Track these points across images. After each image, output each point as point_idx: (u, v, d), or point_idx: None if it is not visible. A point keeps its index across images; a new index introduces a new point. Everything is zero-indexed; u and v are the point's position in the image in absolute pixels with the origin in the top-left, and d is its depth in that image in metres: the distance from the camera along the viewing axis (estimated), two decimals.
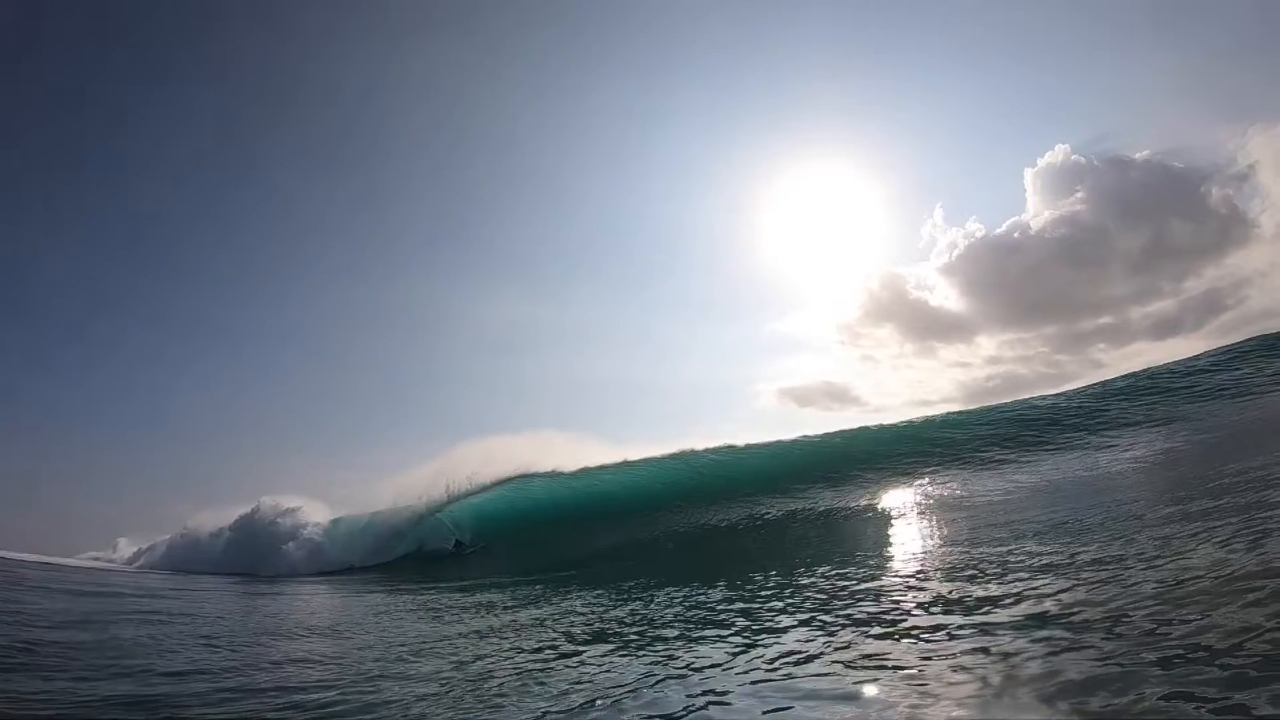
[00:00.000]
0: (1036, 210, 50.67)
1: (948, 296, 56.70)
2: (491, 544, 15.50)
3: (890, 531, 8.84)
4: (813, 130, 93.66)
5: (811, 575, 6.20)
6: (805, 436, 17.54)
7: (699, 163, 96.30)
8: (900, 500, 11.10)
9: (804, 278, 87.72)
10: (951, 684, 2.89)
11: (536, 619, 5.99)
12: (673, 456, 16.91)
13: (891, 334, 62.39)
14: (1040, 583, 4.27)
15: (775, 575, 6.54)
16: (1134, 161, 45.18)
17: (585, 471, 16.96)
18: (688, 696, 3.26)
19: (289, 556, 17.03)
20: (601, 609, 6.19)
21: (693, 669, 3.72)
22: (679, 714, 3.05)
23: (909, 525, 9.08)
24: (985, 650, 3.22)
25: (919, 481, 12.66)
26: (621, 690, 3.47)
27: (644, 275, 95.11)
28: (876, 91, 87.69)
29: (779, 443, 17.25)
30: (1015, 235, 51.25)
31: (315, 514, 18.67)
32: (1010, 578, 4.57)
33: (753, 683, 3.34)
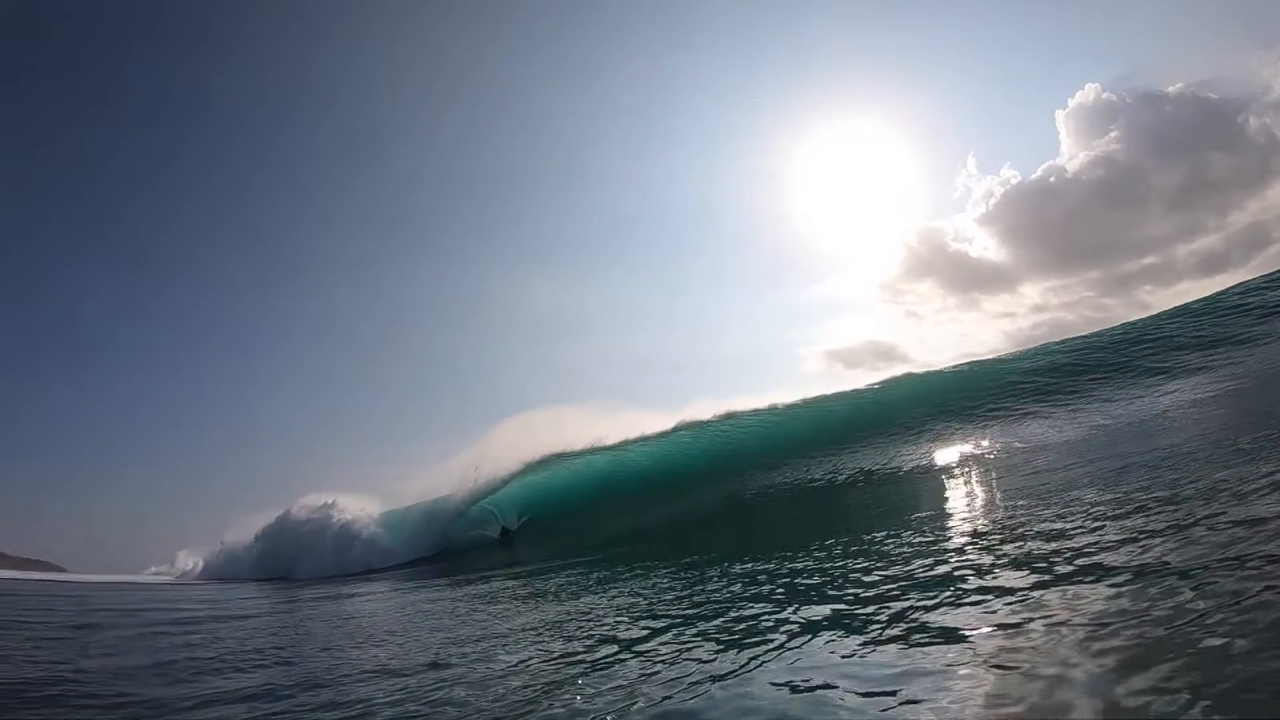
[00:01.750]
0: (1071, 152, 49.02)
1: (987, 246, 55.43)
2: (537, 526, 15.34)
3: (948, 487, 8.53)
4: (835, 89, 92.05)
5: (877, 538, 5.92)
6: (850, 391, 16.95)
7: (722, 133, 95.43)
8: (954, 452, 10.77)
9: (840, 238, 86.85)
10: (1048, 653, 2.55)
11: (597, 606, 5.70)
12: (717, 420, 16.61)
13: (933, 288, 61.35)
14: (1109, 536, 3.99)
15: (840, 541, 6.23)
16: (1167, 96, 43.39)
17: (624, 444, 16.68)
18: (776, 686, 2.90)
19: (334, 557, 17.12)
20: (661, 590, 5.89)
21: (781, 649, 3.40)
22: (773, 703, 2.70)
23: (967, 479, 8.77)
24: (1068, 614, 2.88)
25: (968, 430, 12.17)
26: (707, 681, 3.13)
27: (675, 250, 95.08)
28: (897, 42, 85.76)
29: (821, 399, 16.86)
30: (1051, 180, 49.65)
31: (359, 508, 18.74)
32: (1078, 532, 4.27)
33: (843, 658, 3.04)
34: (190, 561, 23.35)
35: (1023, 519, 5.18)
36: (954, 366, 17.11)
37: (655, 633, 4.16)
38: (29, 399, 71.21)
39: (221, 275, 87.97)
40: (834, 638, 3.38)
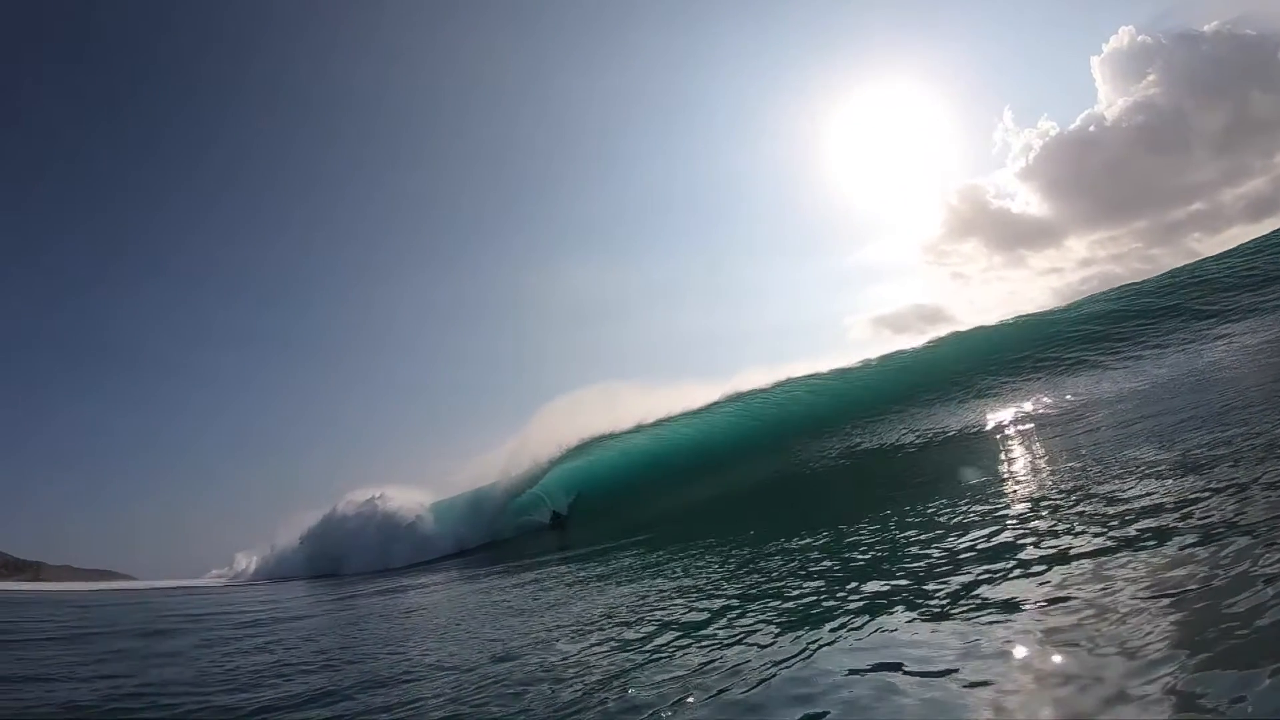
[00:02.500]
0: (1109, 100, 47.49)
1: (1029, 202, 54.06)
2: (587, 508, 15.36)
3: (1001, 449, 8.40)
4: (864, 49, 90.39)
5: (931, 508, 5.86)
6: (895, 352, 16.72)
7: (751, 102, 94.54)
8: (1005, 410, 10.52)
9: (879, 202, 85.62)
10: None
11: (651, 590, 5.70)
12: (762, 389, 16.48)
13: (978, 248, 60.13)
14: (1169, 497, 3.93)
15: (893, 511, 6.24)
16: (1204, 35, 41.64)
17: (664, 422, 16.63)
18: (837, 671, 2.87)
19: (381, 551, 17.30)
20: (715, 570, 5.89)
21: (841, 630, 3.37)
22: (835, 689, 2.67)
23: (1021, 439, 8.63)
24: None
25: (1019, 385, 11.95)
26: (768, 667, 3.10)
27: (712, 225, 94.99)
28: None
29: (866, 363, 16.62)
30: (1090, 129, 48.15)
31: (408, 500, 18.81)
32: (1138, 494, 4.20)
33: (904, 639, 2.98)
34: (245, 563, 23.94)
35: (1080, 481, 5.11)
36: (1001, 322, 16.65)
37: (712, 616, 4.16)
38: (88, 415, 73.99)
39: (264, 281, 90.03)
40: (892, 616, 3.35)
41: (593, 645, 4.10)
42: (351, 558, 17.59)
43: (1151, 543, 3.30)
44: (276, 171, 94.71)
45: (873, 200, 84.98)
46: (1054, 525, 4.10)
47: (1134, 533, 3.52)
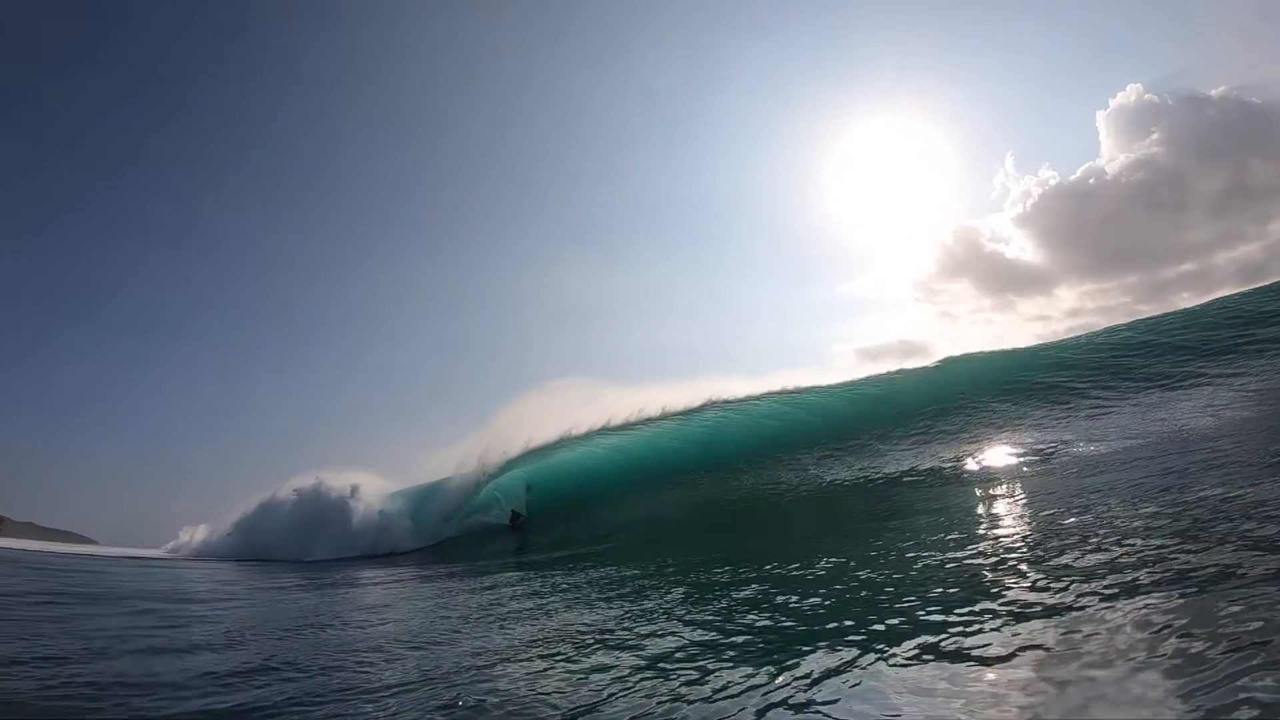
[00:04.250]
0: (1111, 154, 47.68)
1: (1024, 248, 54.30)
2: (549, 512, 14.75)
3: (989, 481, 8.16)
4: (875, 84, 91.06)
5: (914, 542, 5.55)
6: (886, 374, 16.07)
7: (756, 123, 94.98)
8: (1002, 451, 10.09)
9: (875, 236, 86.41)
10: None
11: (618, 612, 5.40)
12: (743, 400, 15.74)
13: (968, 288, 60.41)
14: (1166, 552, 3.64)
15: (872, 546, 5.91)
16: (1210, 99, 41.84)
17: (633, 426, 16.00)
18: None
19: (309, 544, 16.70)
20: (682, 595, 5.56)
21: (795, 675, 3.04)
22: None
23: (1011, 475, 8.31)
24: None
25: (1016, 414, 11.33)
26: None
27: (705, 240, 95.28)
28: (938, 39, 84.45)
29: (849, 384, 15.95)
30: (1090, 181, 48.33)
31: (371, 490, 18.22)
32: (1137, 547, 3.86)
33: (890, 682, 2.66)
34: (187, 538, 23.29)
35: (1065, 525, 4.78)
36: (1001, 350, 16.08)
37: (675, 648, 3.85)
38: (67, 377, 73.36)
39: (254, 258, 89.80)
40: (865, 658, 3.12)
41: (546, 675, 3.72)
42: (280, 548, 17.00)
43: (1128, 593, 3.13)
44: (284, 152, 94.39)
45: (869, 232, 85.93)
46: (1031, 572, 3.87)
47: (1111, 582, 3.26)
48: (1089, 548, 4.11)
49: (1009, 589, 3.68)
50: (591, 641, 4.30)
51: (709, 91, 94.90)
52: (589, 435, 16.02)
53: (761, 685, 3.05)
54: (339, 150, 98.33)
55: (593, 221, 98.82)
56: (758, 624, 4.10)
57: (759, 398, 15.66)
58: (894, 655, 3.11)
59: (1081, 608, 3.14)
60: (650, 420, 15.79)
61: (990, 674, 2.67)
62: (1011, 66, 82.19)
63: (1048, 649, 2.77)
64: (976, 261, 57.81)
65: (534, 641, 4.53)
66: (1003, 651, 2.85)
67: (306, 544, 16.69)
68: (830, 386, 15.66)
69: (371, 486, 18.25)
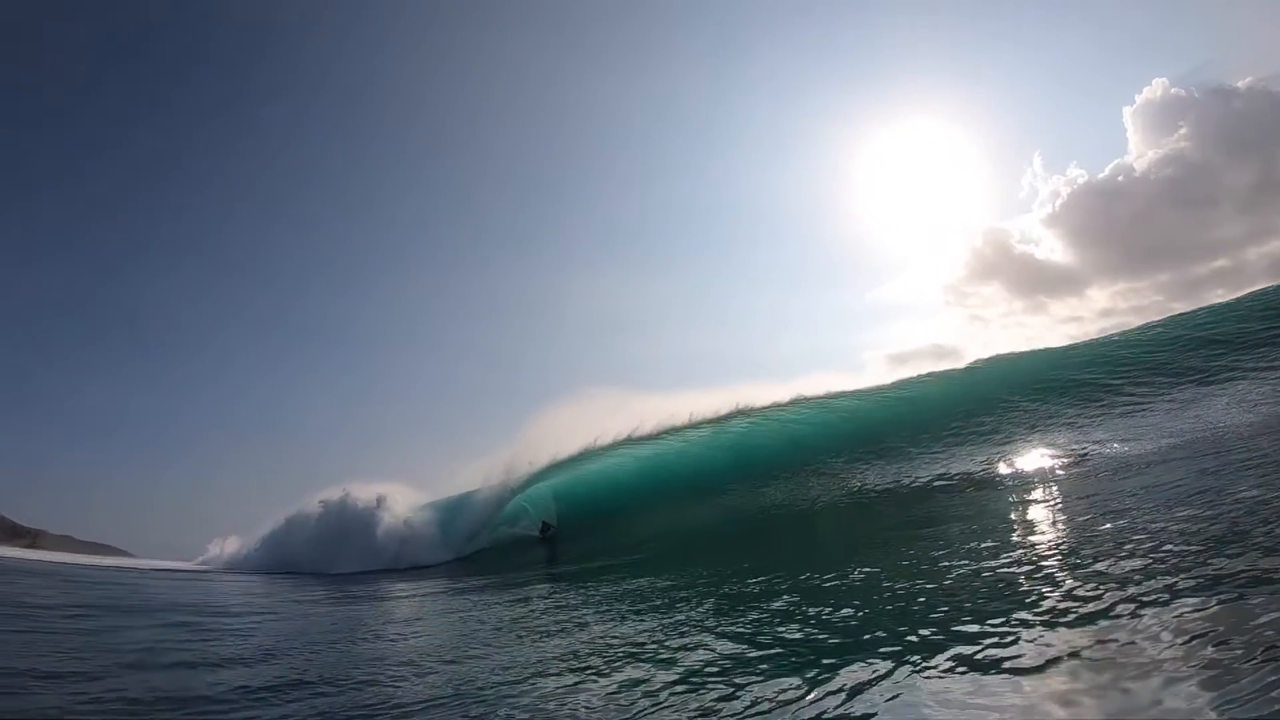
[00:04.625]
0: (1139, 151, 46.91)
1: (1054, 248, 53.58)
2: (579, 522, 14.52)
3: (1026, 487, 7.98)
4: (900, 87, 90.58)
5: (951, 550, 5.46)
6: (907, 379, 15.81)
7: (783, 129, 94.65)
8: (1035, 453, 9.91)
9: (904, 240, 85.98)
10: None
11: (645, 624, 5.37)
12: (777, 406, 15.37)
13: (999, 291, 59.79)
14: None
15: (906, 555, 5.84)
16: (1237, 90, 41.03)
17: (663, 435, 15.69)
18: None
19: (336, 557, 16.63)
20: (716, 606, 5.55)
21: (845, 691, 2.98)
22: None
23: (1051, 478, 8.15)
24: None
25: (1058, 417, 11.15)
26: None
27: (734, 247, 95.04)
28: (962, 41, 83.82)
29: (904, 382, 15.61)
30: (1119, 179, 47.57)
31: (400, 502, 18.17)
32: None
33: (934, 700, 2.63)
34: (217, 551, 23.49)
35: (1104, 530, 4.68)
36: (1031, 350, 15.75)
37: (711, 660, 3.81)
38: (100, 392, 74.98)
39: (284, 270, 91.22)
40: (908, 671, 3.04)
41: (576, 686, 3.72)
42: (307, 560, 17.12)
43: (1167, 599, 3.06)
44: (311, 164, 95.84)
45: (898, 236, 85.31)
46: (1066, 579, 3.79)
47: (1152, 588, 3.15)
48: (1123, 554, 4.04)
49: (1043, 597, 3.62)
50: (623, 655, 4.28)
51: (735, 97, 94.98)
52: (616, 445, 15.82)
53: (795, 700, 3.02)
54: (366, 160, 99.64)
55: (620, 229, 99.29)
56: (790, 636, 4.06)
57: (787, 404, 15.42)
58: (929, 667, 3.06)
59: (1117, 615, 3.09)
60: (679, 429, 15.58)
61: (1026, 685, 2.64)
62: (1036, 66, 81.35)
63: (1083, 659, 2.73)
64: (1007, 263, 57.17)
65: (565, 655, 4.52)
66: (1038, 662, 2.81)
67: (334, 557, 16.73)
68: (860, 391, 15.42)
69: (402, 498, 18.20)
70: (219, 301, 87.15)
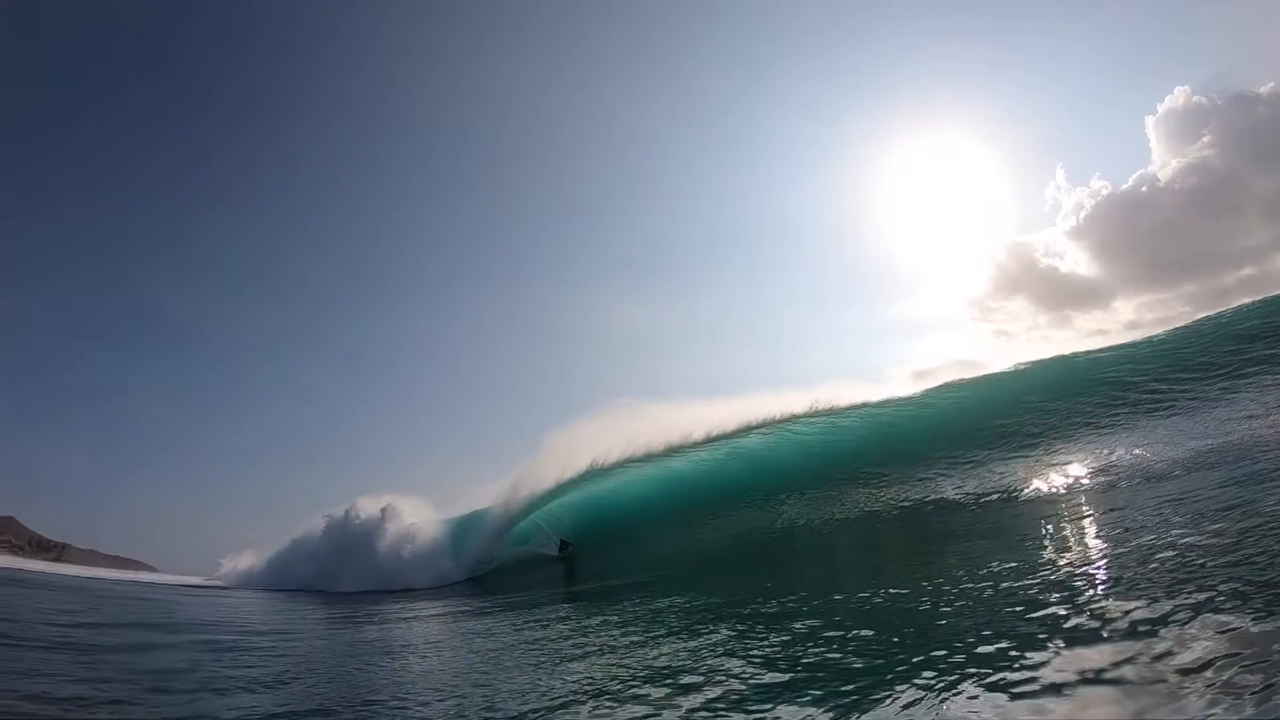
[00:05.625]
0: (1162, 160, 46.57)
1: (1078, 261, 53.16)
2: (598, 540, 14.29)
3: (1059, 504, 7.80)
4: (920, 103, 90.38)
5: (986, 567, 5.35)
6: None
7: (802, 146, 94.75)
8: (1062, 462, 9.75)
9: (926, 255, 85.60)
10: None
11: (669, 648, 5.27)
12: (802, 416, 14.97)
13: (1024, 305, 59.41)
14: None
15: (940, 571, 5.87)
16: (1260, 96, 40.68)
17: (678, 450, 15.30)
18: None
19: (366, 573, 16.62)
20: (743, 629, 5.39)
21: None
22: None
23: (1091, 491, 7.93)
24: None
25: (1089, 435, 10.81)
26: None
27: (755, 266, 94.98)
28: (981, 55, 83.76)
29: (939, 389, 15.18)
30: (1143, 189, 47.18)
31: (410, 515, 18.10)
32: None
33: None
34: (229, 567, 23.63)
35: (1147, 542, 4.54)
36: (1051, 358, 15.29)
37: (736, 687, 3.72)
38: (125, 407, 76.25)
39: (308, 294, 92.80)
40: (941, 692, 2.99)
41: (604, 714, 3.67)
42: (316, 579, 17.15)
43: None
44: (339, 181, 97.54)
45: (920, 252, 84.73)
46: (1099, 597, 3.71)
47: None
48: (1152, 571, 3.98)
49: (1071, 616, 3.59)
50: (645, 680, 4.24)
51: (758, 116, 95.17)
52: (630, 461, 15.58)
53: None
54: (388, 178, 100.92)
55: (644, 248, 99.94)
56: (815, 660, 4.03)
57: (804, 415, 15.12)
58: (956, 690, 3.04)
59: (1146, 634, 3.06)
60: (697, 444, 15.33)
61: (1056, 706, 2.62)
62: (1056, 78, 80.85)
63: (1113, 679, 2.71)
64: (1031, 277, 56.75)
65: (589, 680, 4.47)
66: (1067, 682, 2.80)
67: (338, 574, 16.71)
68: (880, 403, 15.10)
69: (421, 516, 18.13)
70: (242, 319, 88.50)
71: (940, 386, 15.33)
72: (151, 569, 37.42)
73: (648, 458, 15.47)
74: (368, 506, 18.75)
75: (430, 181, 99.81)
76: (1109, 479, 7.91)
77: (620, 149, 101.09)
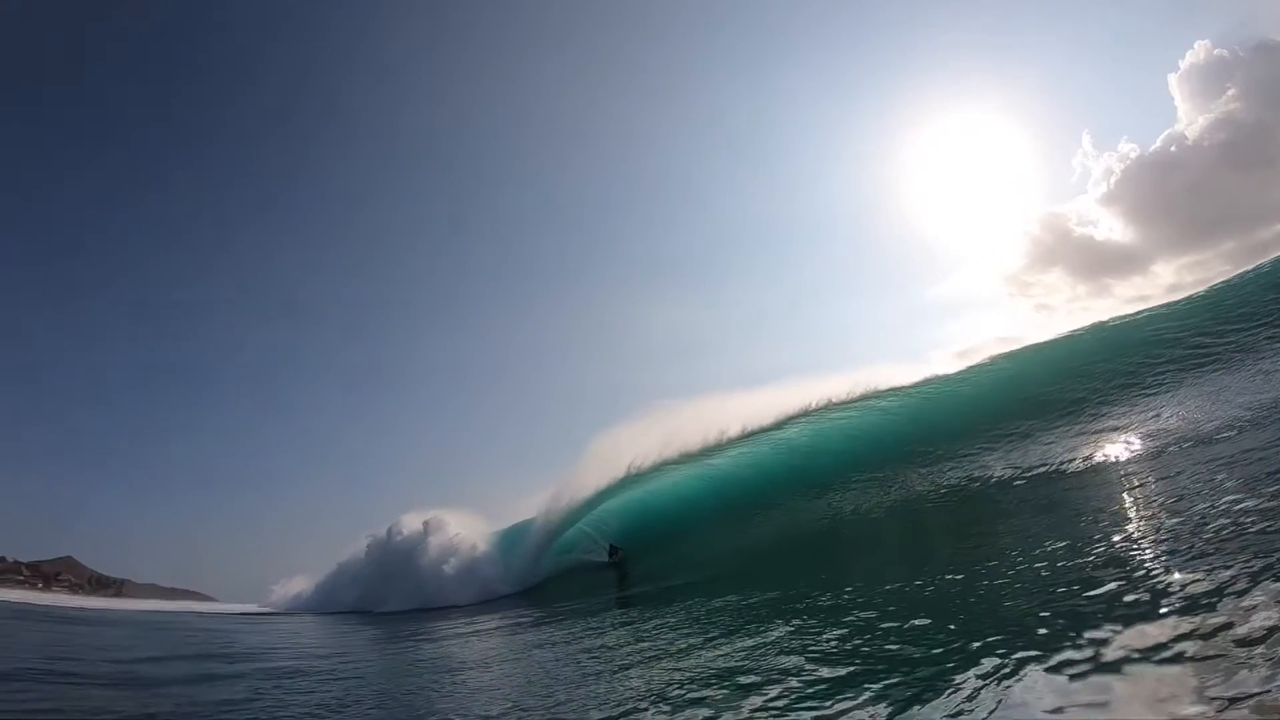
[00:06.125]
0: (1189, 118, 45.48)
1: (1113, 228, 52.22)
2: (646, 543, 14.14)
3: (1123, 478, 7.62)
4: (939, 81, 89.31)
5: (1052, 547, 5.25)
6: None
7: (826, 137, 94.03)
8: (1107, 433, 9.45)
9: (958, 234, 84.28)
10: None
11: (731, 647, 5.24)
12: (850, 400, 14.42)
13: (1061, 277, 58.51)
14: None
15: (997, 555, 5.79)
16: None
17: (718, 447, 14.88)
18: None
19: (410, 591, 16.78)
20: (801, 623, 5.37)
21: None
22: None
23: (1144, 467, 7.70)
24: None
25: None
26: None
27: (786, 260, 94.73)
28: (996, 26, 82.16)
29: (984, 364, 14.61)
30: (1172, 149, 46.15)
31: (455, 527, 18.20)
32: None
33: None
34: (280, 594, 24.05)
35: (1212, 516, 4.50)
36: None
37: (804, 683, 3.73)
38: (180, 443, 78.26)
39: (351, 314, 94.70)
40: (1012, 675, 2.98)
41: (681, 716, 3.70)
42: (362, 601, 17.31)
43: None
44: (363, 202, 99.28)
45: (952, 232, 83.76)
46: (1158, 569, 3.67)
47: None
48: (1207, 538, 3.94)
49: (1127, 591, 3.56)
50: (707, 683, 4.23)
51: (775, 114, 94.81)
52: (672, 462, 15.22)
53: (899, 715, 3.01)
54: (410, 204, 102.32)
55: (675, 260, 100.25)
56: (878, 651, 4.02)
57: (851, 401, 14.56)
58: (1021, 674, 3.03)
59: (1209, 606, 3.02)
60: (734, 439, 14.90)
61: (1121, 685, 2.62)
62: (1074, 42, 79.08)
63: (1176, 656, 2.69)
64: (1066, 248, 55.83)
65: (652, 686, 4.47)
66: (1129, 657, 2.79)
67: (384, 596, 16.95)
68: (921, 382, 14.62)
69: (470, 528, 18.21)
70: (299, 356, 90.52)
71: (980, 363, 14.97)
72: (209, 599, 38.25)
73: (688, 457, 15.11)
74: (410, 522, 18.95)
75: (451, 201, 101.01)
76: (1157, 444, 7.80)
77: (640, 155, 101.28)
